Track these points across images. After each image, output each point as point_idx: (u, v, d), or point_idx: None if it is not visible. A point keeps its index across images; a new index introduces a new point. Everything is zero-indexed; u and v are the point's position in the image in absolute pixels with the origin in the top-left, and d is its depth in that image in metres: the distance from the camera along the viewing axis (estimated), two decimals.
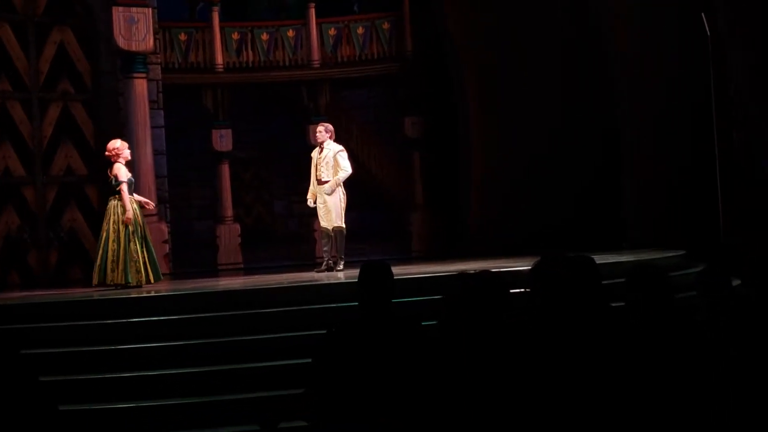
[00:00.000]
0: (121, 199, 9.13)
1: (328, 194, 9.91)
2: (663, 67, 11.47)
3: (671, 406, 3.20)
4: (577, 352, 2.91)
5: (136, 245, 9.08)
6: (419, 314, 4.09)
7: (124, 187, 9.15)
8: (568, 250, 3.73)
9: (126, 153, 9.40)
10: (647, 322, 3.26)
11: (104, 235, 9.16)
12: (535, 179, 12.53)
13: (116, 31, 12.25)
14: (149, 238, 9.31)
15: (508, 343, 3.29)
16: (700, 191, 11.33)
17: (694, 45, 11.27)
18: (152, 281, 9.19)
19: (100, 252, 9.17)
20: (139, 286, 9.07)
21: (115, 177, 9.20)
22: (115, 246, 9.06)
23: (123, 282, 9.05)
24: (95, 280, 9.19)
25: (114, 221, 9.13)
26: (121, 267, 9.03)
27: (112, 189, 9.27)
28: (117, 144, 9.45)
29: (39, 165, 12.09)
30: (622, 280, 3.55)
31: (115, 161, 9.29)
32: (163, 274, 12.17)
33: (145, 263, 9.12)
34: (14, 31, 11.97)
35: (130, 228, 9.09)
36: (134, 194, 9.41)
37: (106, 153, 9.43)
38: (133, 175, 12.46)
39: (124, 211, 9.12)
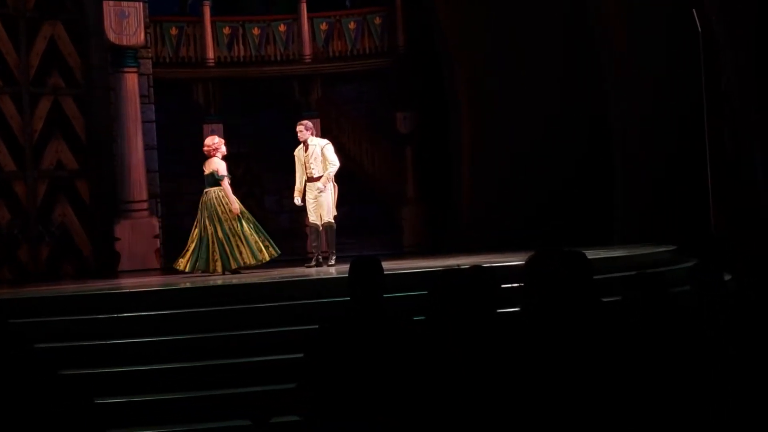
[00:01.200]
0: (223, 191, 9.61)
1: (323, 191, 9.90)
2: (654, 64, 11.49)
3: (667, 403, 3.21)
4: (569, 347, 2.92)
5: (233, 233, 9.53)
6: (410, 310, 4.09)
7: (227, 181, 9.63)
8: (559, 245, 3.74)
9: (223, 148, 9.81)
10: (644, 320, 3.27)
11: (199, 225, 9.65)
12: (525, 174, 12.55)
13: (107, 26, 12.22)
14: (245, 226, 9.67)
15: (500, 338, 3.30)
16: (691, 187, 11.36)
17: (684, 41, 11.29)
18: (260, 260, 9.65)
19: (196, 241, 9.64)
20: (237, 271, 9.55)
21: (216, 171, 9.64)
22: (214, 236, 9.53)
23: (218, 269, 9.53)
24: (184, 267, 9.63)
25: (208, 213, 9.60)
26: (216, 256, 9.51)
27: (208, 182, 9.71)
28: (215, 140, 9.89)
29: (29, 159, 12.04)
30: (614, 275, 3.58)
31: (213, 155, 9.72)
32: (154, 270, 12.25)
33: (242, 249, 9.57)
34: (4, 26, 11.92)
35: (223, 216, 9.53)
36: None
37: (204, 148, 9.85)
38: (123, 170, 12.51)
39: (228, 203, 9.59)
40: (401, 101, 14.04)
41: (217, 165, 9.68)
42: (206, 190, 9.74)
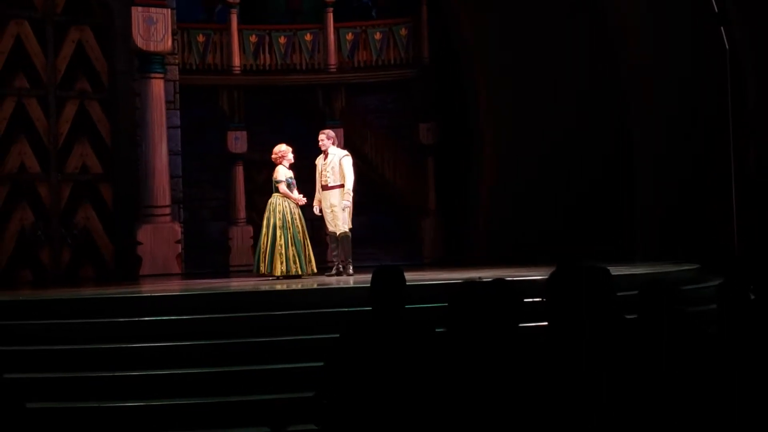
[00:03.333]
0: (283, 196, 9.91)
1: (349, 206, 9.98)
2: (679, 80, 11.44)
3: (683, 419, 3.19)
4: (590, 363, 2.90)
5: (282, 240, 9.81)
6: (431, 321, 4.07)
7: (282, 186, 9.93)
8: (580, 259, 3.72)
9: (290, 156, 10.13)
10: (659, 334, 3.25)
11: (262, 230, 10.02)
12: (545, 186, 12.51)
13: (135, 31, 12.31)
14: (299, 236, 9.93)
15: (521, 351, 3.28)
16: (714, 204, 11.29)
17: (710, 59, 11.23)
18: (299, 273, 9.86)
19: (258, 244, 10.10)
20: (287, 277, 9.78)
21: (274, 178, 10.01)
22: (266, 240, 9.88)
23: (268, 272, 9.84)
24: (254, 269, 10.11)
25: (266, 217, 9.97)
26: (268, 259, 9.82)
27: (274, 188, 10.06)
28: (282, 148, 10.16)
29: (54, 162, 12.13)
30: (636, 292, 3.55)
31: (279, 163, 10.06)
32: (175, 274, 12.30)
33: (292, 257, 9.83)
34: (33, 29, 12.02)
35: (278, 223, 9.83)
36: (293, 187, 10.03)
37: (272, 156, 10.17)
38: (147, 174, 12.58)
39: (292, 204, 9.90)
40: (424, 112, 14.05)
41: (277, 172, 10.02)
42: (273, 194, 10.08)
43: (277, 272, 9.83)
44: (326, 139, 10.20)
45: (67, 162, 12.24)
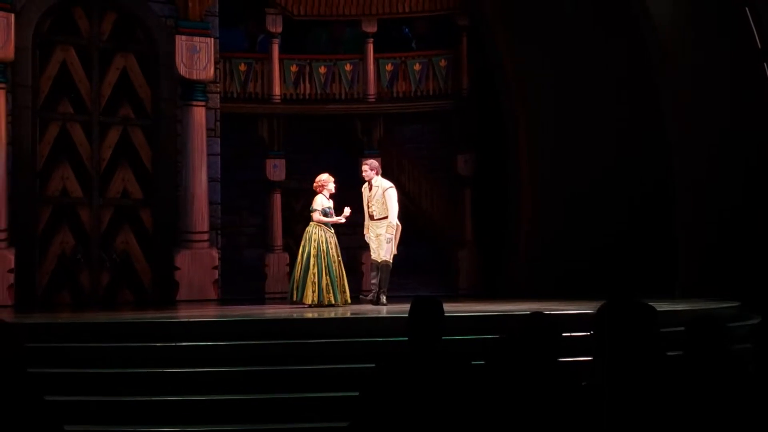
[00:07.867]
0: (319, 224, 10.02)
1: (390, 240, 9.98)
2: (719, 114, 11.35)
3: None
4: (635, 399, 2.87)
5: (315, 268, 9.87)
6: (469, 354, 4.04)
7: (315, 215, 10.05)
8: (621, 294, 3.68)
9: (330, 186, 10.21)
10: (704, 372, 3.20)
11: (297, 258, 10.13)
12: (584, 219, 12.42)
13: (178, 59, 12.49)
14: (334, 265, 9.98)
15: (559, 385, 3.25)
16: (755, 241, 11.15)
17: (751, 93, 11.15)
18: (332, 303, 9.88)
19: (293, 272, 10.19)
20: (320, 306, 9.79)
21: (312, 207, 10.12)
22: (300, 268, 9.98)
23: (299, 301, 9.91)
24: (288, 297, 10.24)
25: (302, 245, 10.06)
26: (300, 287, 9.90)
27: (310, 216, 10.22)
28: (323, 177, 10.27)
29: (96, 187, 12.29)
30: (679, 329, 3.51)
31: (320, 192, 10.15)
32: (211, 300, 12.36)
33: (326, 287, 9.86)
34: (78, 55, 12.23)
35: (313, 252, 9.86)
36: (330, 217, 10.10)
37: (314, 185, 10.27)
38: (186, 201, 12.71)
39: (329, 229, 10.03)
40: (462, 143, 14.06)
41: (314, 201, 10.11)
42: (310, 223, 10.16)
43: (308, 300, 9.83)
44: (369, 169, 10.22)
45: (108, 187, 12.39)
